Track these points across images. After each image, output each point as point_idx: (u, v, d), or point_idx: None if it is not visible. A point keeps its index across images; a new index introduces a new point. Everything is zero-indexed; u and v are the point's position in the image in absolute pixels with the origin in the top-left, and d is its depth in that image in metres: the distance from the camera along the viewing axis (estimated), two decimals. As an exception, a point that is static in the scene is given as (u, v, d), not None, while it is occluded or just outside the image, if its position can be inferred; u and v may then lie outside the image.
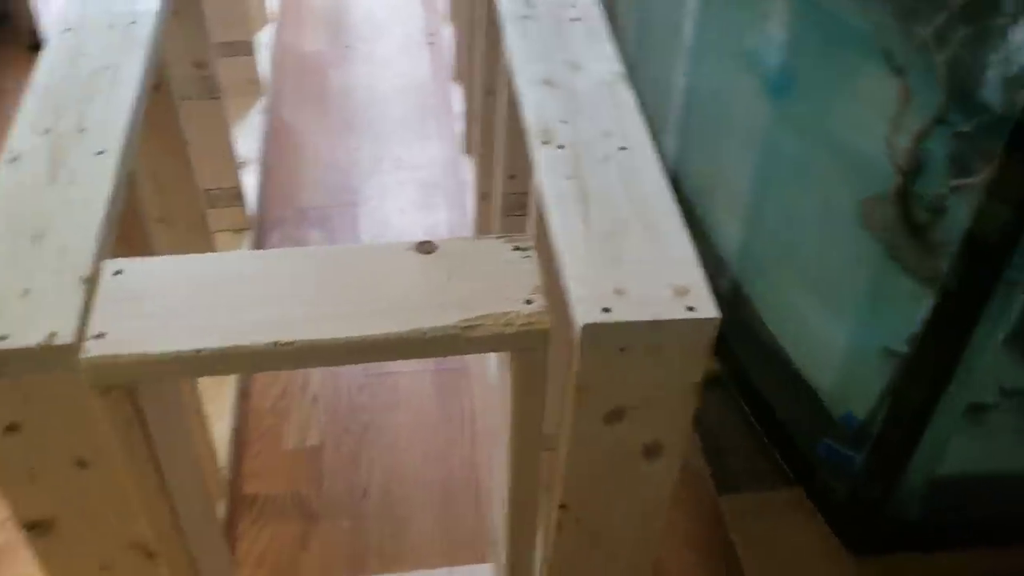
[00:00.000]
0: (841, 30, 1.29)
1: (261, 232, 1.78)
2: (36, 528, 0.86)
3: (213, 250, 1.38)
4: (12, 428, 0.77)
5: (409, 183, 1.92)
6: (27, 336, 0.72)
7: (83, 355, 0.71)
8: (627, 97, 1.00)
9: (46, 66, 1.01)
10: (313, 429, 1.42)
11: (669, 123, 1.63)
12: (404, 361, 1.51)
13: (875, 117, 1.21)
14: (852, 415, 1.23)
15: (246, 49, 2.01)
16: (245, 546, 1.27)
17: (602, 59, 1.06)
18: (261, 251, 0.84)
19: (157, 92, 1.14)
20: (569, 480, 0.88)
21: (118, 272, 0.78)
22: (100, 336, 0.73)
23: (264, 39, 2.27)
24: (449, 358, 1.52)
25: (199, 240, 1.33)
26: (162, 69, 1.13)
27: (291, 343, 0.73)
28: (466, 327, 0.75)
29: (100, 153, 0.89)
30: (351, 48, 2.32)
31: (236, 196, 1.68)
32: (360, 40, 2.35)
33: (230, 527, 1.28)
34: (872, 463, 1.12)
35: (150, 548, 0.90)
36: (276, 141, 2.02)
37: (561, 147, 0.94)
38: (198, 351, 0.72)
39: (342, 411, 1.45)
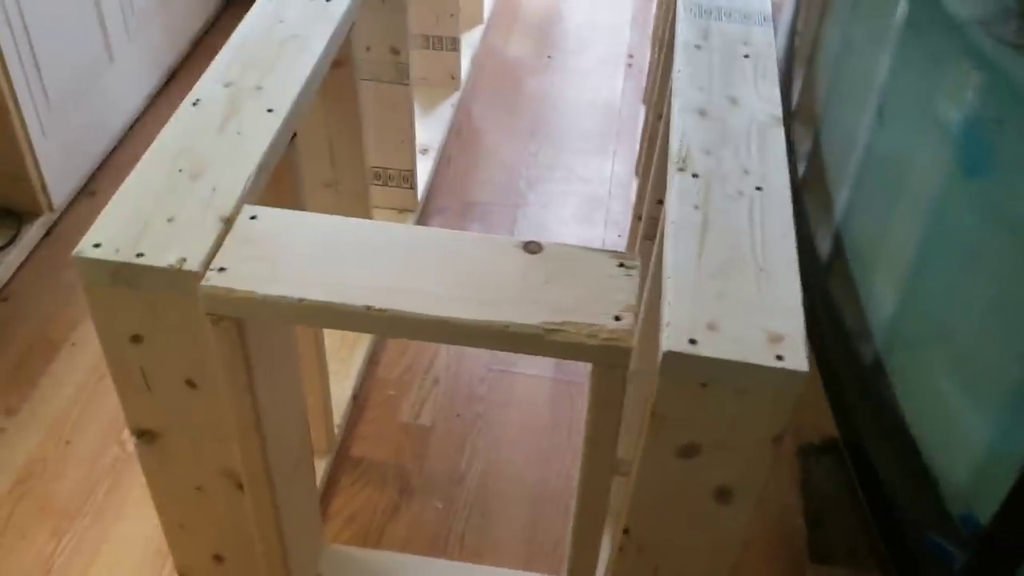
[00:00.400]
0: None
1: (424, 216, 1.85)
2: (144, 436, 0.95)
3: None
4: (136, 339, 0.85)
5: (575, 195, 1.95)
6: (161, 257, 0.80)
7: (203, 283, 0.79)
8: (777, 139, 0.99)
9: (245, 27, 1.11)
10: (428, 408, 1.48)
11: (845, 178, 1.57)
12: (526, 363, 1.54)
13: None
14: (973, 516, 1.15)
15: (451, 45, 2.10)
16: (339, 503, 1.33)
17: (762, 99, 1.04)
18: (386, 223, 0.89)
19: (340, 68, 1.22)
20: (635, 506, 0.88)
21: (253, 217, 0.85)
22: (221, 270, 0.80)
23: (472, 39, 2.36)
24: (570, 369, 1.53)
25: (358, 210, 1.41)
26: (348, 47, 1.21)
27: (382, 311, 0.77)
28: (549, 329, 0.77)
29: (269, 111, 0.97)
30: (552, 58, 2.38)
31: (407, 178, 1.76)
32: (562, 52, 2.40)
33: (330, 482, 1.35)
34: (977, 566, 1.04)
35: (240, 479, 0.97)
36: (459, 134, 2.10)
37: (695, 176, 0.93)
38: (300, 300, 0.78)
39: (459, 398, 1.50)
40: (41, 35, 1.63)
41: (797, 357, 0.75)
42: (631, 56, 2.38)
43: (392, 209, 1.79)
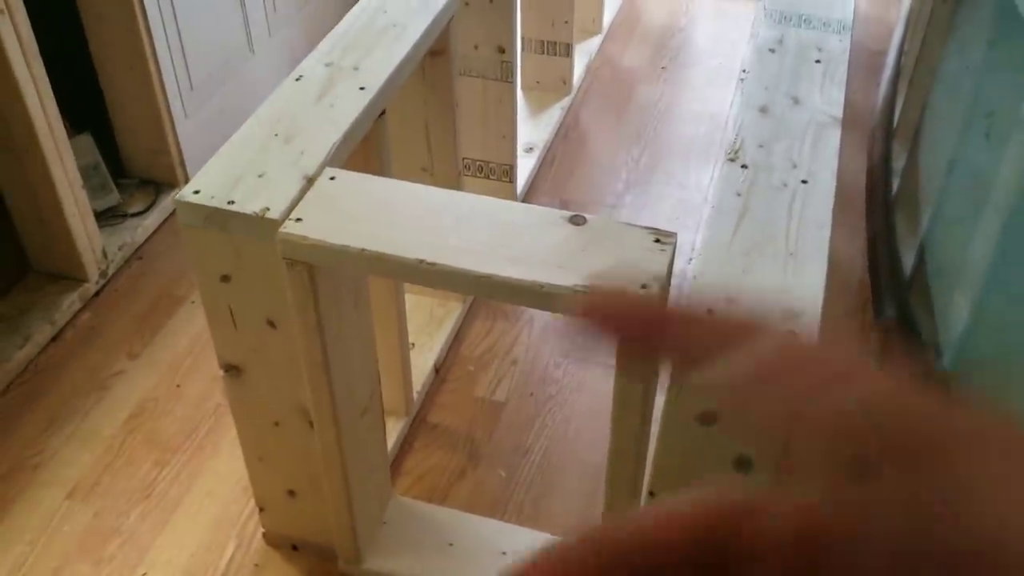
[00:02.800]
0: None
1: (523, 210, 1.94)
2: (231, 371, 1.07)
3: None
4: (225, 278, 0.97)
5: (671, 200, 2.00)
6: (248, 205, 0.91)
7: (281, 230, 0.90)
8: (832, 139, 1.02)
9: (352, 14, 1.23)
10: (503, 386, 1.56)
11: (935, 195, 1.56)
12: (604, 353, 1.60)
13: None
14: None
15: (565, 51, 2.19)
16: (411, 463, 1.43)
17: (825, 100, 1.08)
18: (448, 191, 0.98)
19: (438, 57, 1.32)
20: (658, 469, 0.93)
21: (333, 178, 0.96)
22: (298, 220, 0.90)
23: (590, 47, 2.44)
24: (643, 362, 1.58)
25: (450, 194, 1.51)
26: (446, 39, 1.31)
27: (432, 265, 0.86)
28: (578, 292, 0.84)
29: (361, 89, 1.08)
30: (666, 69, 2.43)
31: (507, 173, 1.86)
32: (676, 64, 2.45)
33: (405, 443, 1.45)
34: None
35: (310, 416, 1.08)
36: (566, 136, 2.18)
37: (744, 166, 0.98)
38: (361, 250, 0.88)
39: (534, 379, 1.58)
40: (189, 27, 1.81)
41: (809, 332, 0.79)
42: (744, 71, 2.40)
43: (491, 201, 1.89)
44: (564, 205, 1.98)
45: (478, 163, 1.87)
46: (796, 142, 1.01)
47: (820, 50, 1.17)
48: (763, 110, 1.06)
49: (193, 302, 1.69)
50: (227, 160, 0.97)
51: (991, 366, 1.33)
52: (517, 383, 1.57)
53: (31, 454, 1.41)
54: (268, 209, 0.91)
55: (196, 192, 0.93)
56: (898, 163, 1.80)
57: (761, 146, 1.01)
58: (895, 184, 1.78)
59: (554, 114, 2.19)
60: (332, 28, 2.40)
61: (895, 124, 1.93)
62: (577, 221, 0.91)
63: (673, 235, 0.90)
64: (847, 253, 1.82)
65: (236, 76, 2.03)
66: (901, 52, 2.03)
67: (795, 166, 0.98)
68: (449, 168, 1.49)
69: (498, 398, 1.54)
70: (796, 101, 1.08)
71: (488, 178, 1.88)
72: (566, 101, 2.23)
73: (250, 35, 2.05)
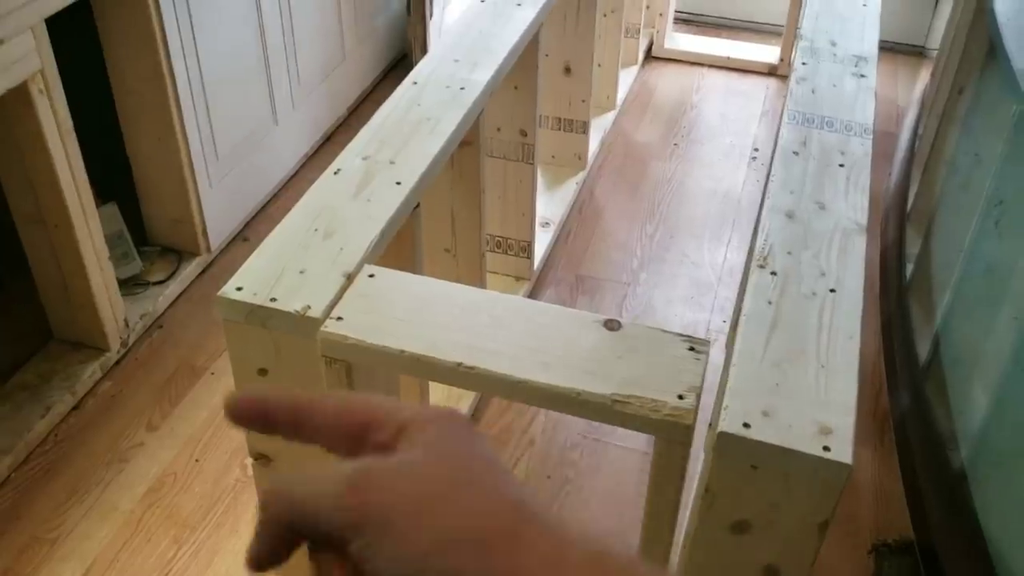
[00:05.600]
0: None
1: (538, 285, 1.97)
2: (260, 459, 1.08)
3: (483, 286, 1.57)
4: (262, 372, 0.98)
5: (686, 278, 2.02)
6: (290, 303, 0.93)
7: (322, 329, 0.91)
8: (858, 246, 1.05)
9: (387, 107, 1.26)
10: (520, 467, 1.57)
11: (950, 283, 1.59)
12: (620, 434, 1.61)
13: None
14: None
15: (581, 128, 2.23)
16: (428, 545, 1.43)
17: (850, 207, 1.11)
18: (485, 291, 1.00)
19: (467, 147, 1.35)
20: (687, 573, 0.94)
21: (372, 275, 0.98)
22: (339, 319, 0.92)
23: (604, 122, 2.49)
24: (660, 445, 1.59)
25: (472, 275, 1.53)
26: (476, 129, 1.34)
27: (471, 368, 0.88)
28: (616, 400, 0.85)
29: (397, 184, 1.11)
30: (678, 146, 2.48)
31: (525, 249, 1.88)
32: (689, 141, 2.50)
33: (422, 524, 1.45)
34: None
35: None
36: (581, 211, 2.22)
37: (774, 273, 1.00)
38: (401, 351, 0.89)
39: (551, 460, 1.58)
40: (217, 100, 1.85)
41: (843, 450, 0.81)
42: (756, 149, 2.45)
43: (509, 276, 1.91)
44: (580, 281, 2.00)
45: (497, 239, 1.89)
46: (823, 249, 1.03)
47: (843, 154, 1.20)
48: (790, 215, 1.09)
49: (213, 373, 1.70)
50: (269, 255, 0.99)
51: (1009, 461, 1.34)
52: (534, 465, 1.57)
53: (49, 528, 1.41)
54: (309, 307, 0.93)
55: (239, 289, 0.95)
56: (912, 248, 1.83)
57: (790, 253, 1.03)
58: (909, 269, 1.81)
59: (569, 189, 2.22)
60: (353, 100, 2.45)
61: (909, 208, 1.96)
62: (612, 326, 0.93)
63: (707, 344, 0.92)
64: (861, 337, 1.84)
65: (260, 147, 2.07)
66: (915, 136, 2.07)
67: (823, 274, 1.00)
68: (472, 249, 1.52)
69: (515, 479, 1.54)
70: (822, 207, 1.10)
71: (507, 254, 1.90)
72: (581, 176, 2.26)
73: (275, 107, 2.09)
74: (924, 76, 2.34)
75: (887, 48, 2.82)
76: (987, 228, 1.53)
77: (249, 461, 1.10)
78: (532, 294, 1.93)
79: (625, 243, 2.13)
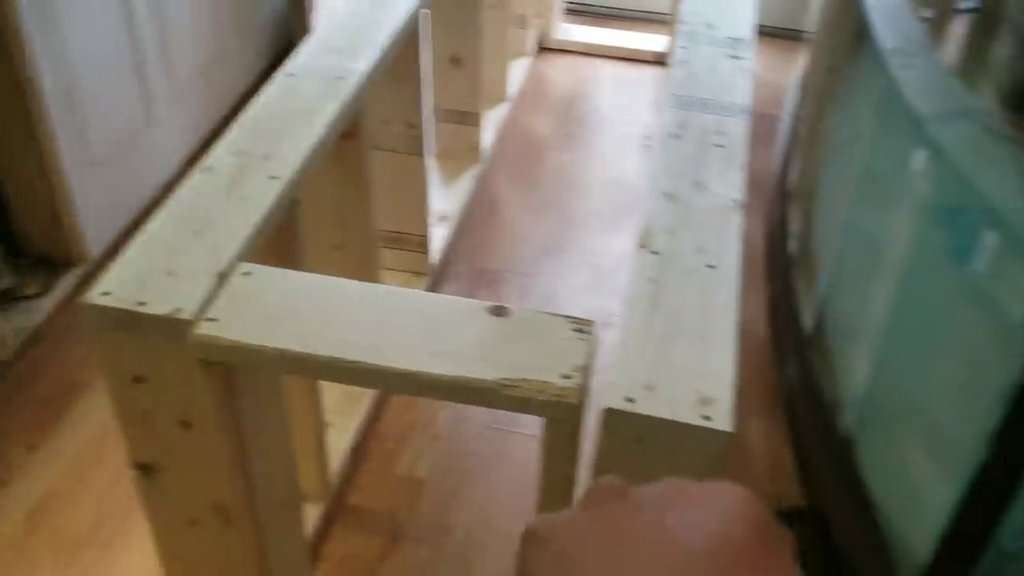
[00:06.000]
0: None
1: (437, 280, 1.95)
2: (143, 469, 1.04)
3: (377, 282, 1.55)
4: (138, 379, 0.95)
5: (585, 267, 2.03)
6: (159, 306, 0.89)
7: (195, 331, 0.88)
8: (735, 223, 1.06)
9: (262, 100, 1.23)
10: (425, 462, 1.55)
11: (831, 256, 1.64)
12: (524, 422, 1.61)
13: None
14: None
15: (474, 120, 2.22)
16: (332, 546, 1.40)
17: (727, 186, 1.13)
18: (367, 284, 0.98)
19: (350, 139, 1.33)
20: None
21: (247, 273, 0.95)
22: (212, 320, 0.89)
23: (498, 114, 2.49)
24: (562, 432, 1.60)
25: (364, 271, 1.50)
26: (358, 121, 1.32)
27: (354, 363, 0.86)
28: (504, 385, 0.85)
29: (273, 178, 1.08)
30: (573, 136, 2.49)
31: (421, 244, 1.86)
32: (583, 131, 2.52)
33: (324, 528, 1.42)
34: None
35: (228, 514, 1.05)
36: (478, 204, 2.21)
37: (656, 253, 1.01)
38: (280, 350, 0.87)
39: (455, 453, 1.57)
40: (86, 103, 1.77)
41: (723, 418, 0.82)
42: (648, 138, 2.48)
43: (406, 272, 1.89)
44: (479, 274, 1.99)
45: (392, 234, 1.87)
46: (702, 228, 1.05)
47: (721, 134, 1.22)
48: (671, 197, 1.10)
49: (97, 388, 1.63)
50: (136, 258, 0.95)
51: (889, 426, 1.39)
52: (438, 459, 1.56)
53: (-77, 560, 1.33)
54: (180, 310, 0.89)
55: (105, 294, 0.90)
56: (796, 225, 1.88)
57: (670, 232, 1.04)
58: (793, 245, 1.86)
59: (466, 182, 2.21)
60: (235, 98, 2.38)
61: (792, 187, 2.01)
62: (499, 312, 0.92)
63: (591, 323, 0.92)
64: (749, 312, 1.88)
65: (137, 148, 1.99)
66: (795, 117, 2.13)
67: (702, 251, 1.01)
68: (363, 245, 1.49)
69: (419, 475, 1.53)
70: (701, 187, 1.12)
71: (402, 249, 1.88)
72: (478, 169, 2.25)
73: (151, 106, 2.02)
74: (802, 59, 2.41)
75: (768, 33, 2.89)
76: (864, 202, 1.58)
77: (132, 473, 1.05)
78: (431, 289, 1.91)
79: (524, 234, 2.13)
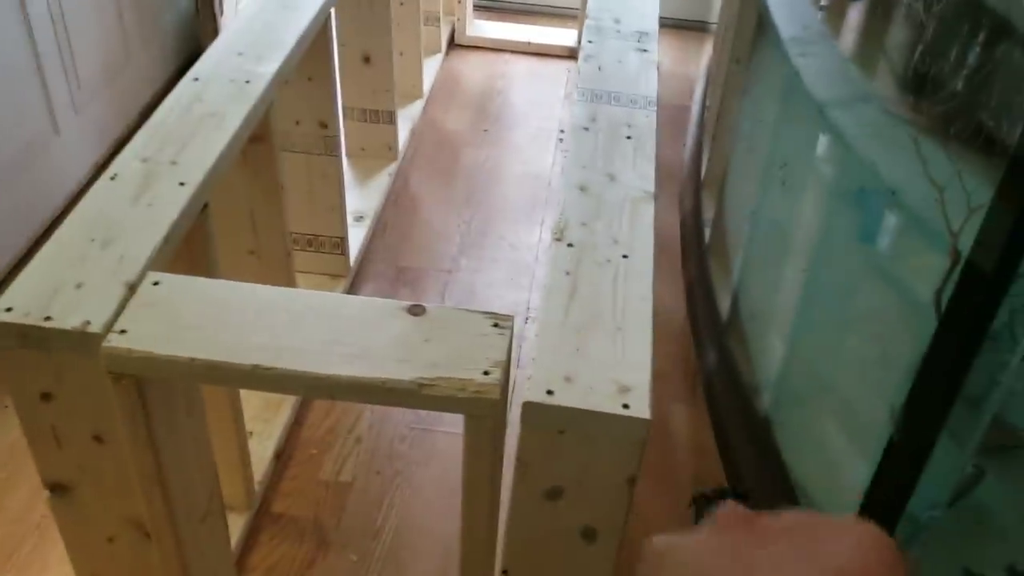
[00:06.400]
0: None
1: (356, 281, 1.93)
2: (57, 490, 1.01)
3: (292, 286, 1.53)
4: (45, 397, 0.92)
5: (504, 261, 2.04)
6: (66, 321, 0.87)
7: (104, 344, 0.86)
8: (647, 213, 1.08)
9: (167, 104, 1.20)
10: (349, 466, 1.54)
11: (742, 242, 1.68)
12: (448, 421, 1.61)
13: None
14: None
15: (388, 118, 2.21)
16: (258, 557, 1.38)
17: (638, 176, 1.15)
18: (281, 288, 0.97)
19: (259, 143, 1.31)
20: (510, 547, 0.95)
21: (156, 283, 0.93)
22: (122, 332, 0.87)
23: (413, 112, 2.48)
24: (488, 427, 1.60)
25: (280, 275, 1.48)
26: (267, 124, 1.30)
27: (269, 369, 0.85)
28: (423, 384, 0.85)
29: (181, 184, 1.06)
30: (488, 132, 2.50)
31: (339, 245, 1.85)
32: (498, 126, 2.53)
33: (249, 537, 1.40)
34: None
35: (147, 529, 1.03)
36: (396, 203, 2.20)
37: (570, 245, 1.03)
38: (192, 359, 0.85)
39: (379, 455, 1.56)
40: (-15, 110, 1.71)
41: (641, 406, 0.84)
42: (562, 131, 2.50)
43: (324, 275, 1.87)
44: (399, 273, 1.99)
45: (307, 237, 1.85)
46: (615, 218, 1.06)
47: (630, 126, 1.24)
48: (583, 189, 1.11)
49: (7, 406, 1.57)
50: (41, 271, 0.92)
51: (805, 405, 1.43)
52: (362, 462, 1.55)
53: None
54: (89, 323, 0.87)
55: (8, 310, 0.87)
56: (709, 213, 1.92)
57: (584, 224, 1.05)
58: (707, 233, 1.90)
59: (382, 180, 2.20)
60: (144, 104, 2.32)
61: (703, 175, 2.06)
62: (416, 311, 0.92)
63: (510, 318, 0.92)
64: (668, 301, 1.92)
65: (41, 158, 1.92)
66: (703, 107, 2.18)
67: (616, 242, 1.03)
68: (277, 249, 1.47)
69: (344, 479, 1.52)
70: (612, 178, 1.13)
71: (319, 251, 1.86)
72: (393, 167, 2.24)
73: (54, 114, 1.95)
74: (709, 49, 2.46)
75: (675, 25, 2.95)
76: (772, 188, 1.63)
77: (46, 494, 1.02)
78: (351, 290, 1.90)
79: (443, 231, 2.13)
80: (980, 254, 0.93)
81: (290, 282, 1.52)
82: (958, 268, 1.14)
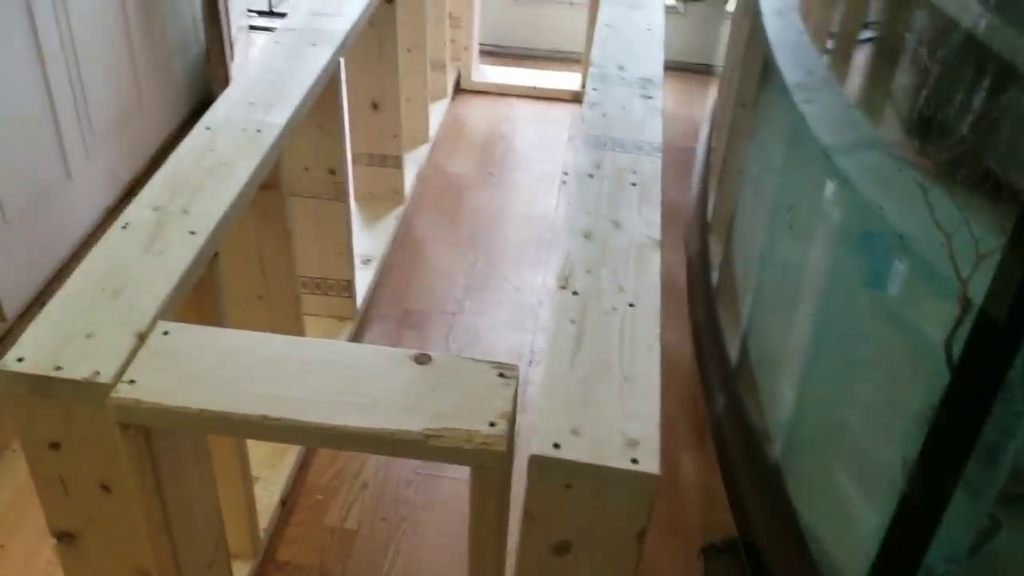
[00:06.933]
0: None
1: (363, 323, 1.94)
2: (64, 538, 1.01)
3: (301, 330, 1.54)
4: (54, 446, 0.92)
5: (508, 303, 2.05)
6: (76, 371, 0.87)
7: (113, 394, 0.86)
8: (653, 260, 1.09)
9: (179, 154, 1.22)
10: (355, 512, 1.53)
11: (751, 286, 1.68)
12: (454, 467, 1.60)
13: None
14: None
15: (395, 163, 2.23)
16: (263, 605, 1.38)
17: (644, 223, 1.15)
18: (289, 337, 0.97)
19: (269, 190, 1.32)
20: (518, 599, 0.94)
21: (166, 333, 0.94)
22: (131, 382, 0.87)
23: (419, 156, 2.50)
24: (494, 472, 1.60)
25: (289, 320, 1.49)
26: (277, 172, 1.31)
27: (278, 420, 0.85)
28: (429, 435, 0.85)
29: (192, 233, 1.07)
30: (493, 175, 2.52)
31: (346, 288, 1.85)
32: (502, 169, 2.55)
33: (255, 584, 1.39)
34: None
35: (154, 577, 1.03)
36: (402, 245, 2.21)
37: (575, 293, 1.03)
38: (201, 411, 0.85)
39: (385, 501, 1.56)
40: (-2, 157, 1.73)
41: (650, 461, 0.83)
42: (566, 173, 2.52)
43: (331, 317, 1.88)
44: (405, 315, 1.99)
45: (315, 280, 1.86)
46: (620, 266, 1.07)
47: (635, 172, 1.25)
48: (588, 235, 1.12)
49: (14, 451, 1.58)
50: (52, 321, 0.93)
51: (816, 452, 1.43)
52: (368, 508, 1.54)
53: None
54: (98, 373, 0.87)
55: (20, 360, 0.88)
56: (716, 256, 1.93)
57: (589, 272, 1.06)
58: (715, 276, 1.91)
59: (389, 223, 2.21)
60: (155, 148, 2.34)
61: (710, 218, 2.06)
62: (422, 360, 0.93)
63: (515, 368, 0.93)
64: (674, 344, 1.92)
65: (54, 203, 1.94)
66: (709, 150, 2.19)
67: (622, 290, 1.03)
68: (286, 293, 1.48)
69: (350, 526, 1.51)
70: (617, 225, 1.14)
71: (327, 295, 1.87)
72: (400, 210, 2.26)
73: (67, 160, 1.97)
74: (714, 92, 2.48)
75: (679, 68, 2.98)
76: (780, 231, 1.63)
77: (52, 542, 1.02)
78: (357, 333, 1.90)
79: (448, 273, 2.14)
80: (993, 304, 0.93)
81: (299, 326, 1.52)
82: (969, 316, 1.14)
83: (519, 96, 2.88)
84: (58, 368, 0.87)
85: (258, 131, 1.28)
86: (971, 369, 0.98)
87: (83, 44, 1.96)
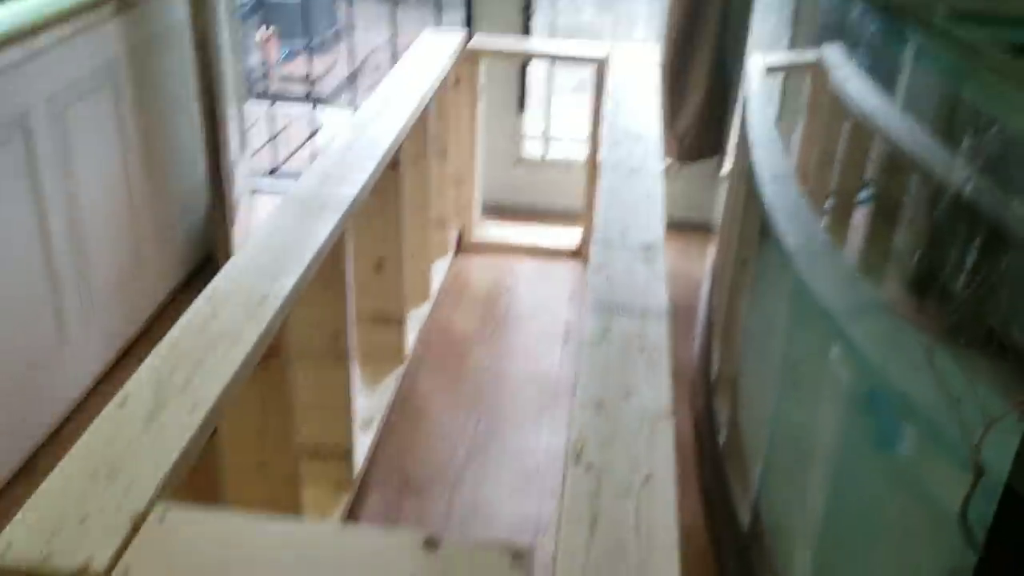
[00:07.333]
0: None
1: (362, 490, 1.88)
2: None
3: (297, 502, 1.49)
4: (39, 639, 0.86)
5: (511, 469, 2.00)
6: (68, 559, 0.83)
7: (105, 586, 0.82)
8: (666, 430, 1.07)
9: (181, 324, 1.21)
10: None
11: (761, 449, 1.64)
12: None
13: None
14: None
15: (397, 322, 2.23)
16: None
17: (654, 390, 1.13)
18: (292, 523, 0.94)
19: (272, 359, 1.31)
20: None
21: (164, 517, 0.90)
22: (124, 572, 0.83)
23: (420, 314, 2.50)
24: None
25: (287, 489, 1.45)
26: (280, 340, 1.30)
27: (278, 612, 0.80)
28: (439, 629, 0.80)
29: (191, 411, 1.04)
30: (495, 332, 2.52)
31: (343, 455, 1.81)
32: (504, 327, 2.55)
33: None
34: None
35: None
36: (403, 406, 2.18)
37: (589, 467, 1.00)
38: (197, 603, 0.81)
39: None
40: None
41: (673, 654, 0.78)
42: (569, 332, 2.52)
43: (330, 484, 1.82)
44: (405, 482, 1.94)
45: (315, 445, 1.81)
46: (633, 439, 1.04)
47: (642, 338, 1.24)
48: (599, 406, 1.10)
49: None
50: (44, 505, 0.89)
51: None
52: None
53: None
54: (92, 559, 0.83)
55: (8, 547, 0.84)
56: (722, 414, 1.90)
57: (603, 445, 1.03)
58: (721, 436, 1.87)
59: (390, 384, 2.19)
60: (152, 310, 2.33)
61: (714, 376, 2.05)
62: (431, 546, 0.89)
63: (528, 552, 0.89)
64: (687, 513, 1.86)
65: (48, 367, 1.93)
66: (710, 307, 2.20)
67: (636, 465, 1.00)
68: (286, 464, 1.44)
69: None
70: (628, 394, 1.12)
71: (325, 460, 1.82)
72: (401, 370, 2.24)
73: (63, 323, 1.97)
74: (712, 249, 2.52)
75: (679, 225, 3.03)
76: (787, 391, 1.61)
77: None
78: (355, 500, 1.85)
79: (450, 435, 2.10)
80: (1018, 479, 0.90)
81: (297, 495, 1.48)
82: (982, 482, 1.10)
83: (520, 252, 2.92)
84: (48, 557, 0.83)
85: (263, 299, 1.28)
86: (998, 548, 0.94)
87: (85, 205, 1.99)
